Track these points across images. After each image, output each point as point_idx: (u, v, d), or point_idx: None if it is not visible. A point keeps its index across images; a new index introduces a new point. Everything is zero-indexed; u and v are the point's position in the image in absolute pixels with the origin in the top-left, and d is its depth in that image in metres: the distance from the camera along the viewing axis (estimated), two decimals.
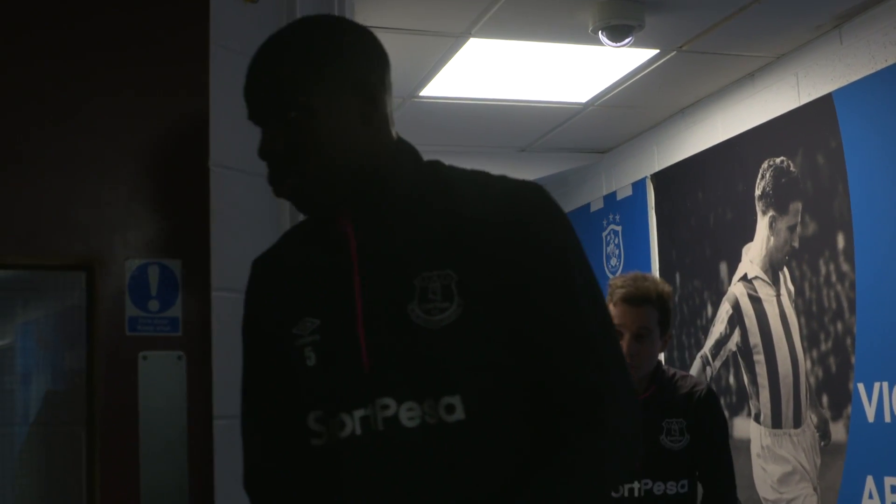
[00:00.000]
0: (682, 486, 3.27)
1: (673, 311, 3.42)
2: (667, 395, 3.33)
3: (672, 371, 3.45)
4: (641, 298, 3.29)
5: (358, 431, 1.74)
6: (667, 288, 3.39)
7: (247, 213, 2.67)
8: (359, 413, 1.74)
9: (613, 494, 3.19)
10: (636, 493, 3.24)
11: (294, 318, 1.82)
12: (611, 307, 3.28)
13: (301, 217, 1.98)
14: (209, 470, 2.43)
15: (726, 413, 4.97)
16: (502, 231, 1.72)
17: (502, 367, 1.72)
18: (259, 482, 1.96)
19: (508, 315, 1.71)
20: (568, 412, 1.70)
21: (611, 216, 6.23)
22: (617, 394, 1.72)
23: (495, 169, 5.60)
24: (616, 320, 3.25)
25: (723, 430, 3.41)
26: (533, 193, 1.77)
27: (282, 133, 1.75)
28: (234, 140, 2.67)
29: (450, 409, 1.69)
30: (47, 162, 2.36)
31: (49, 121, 2.38)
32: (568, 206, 6.81)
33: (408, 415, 1.71)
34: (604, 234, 6.29)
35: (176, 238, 2.45)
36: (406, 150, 1.85)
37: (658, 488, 3.25)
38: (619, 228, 6.14)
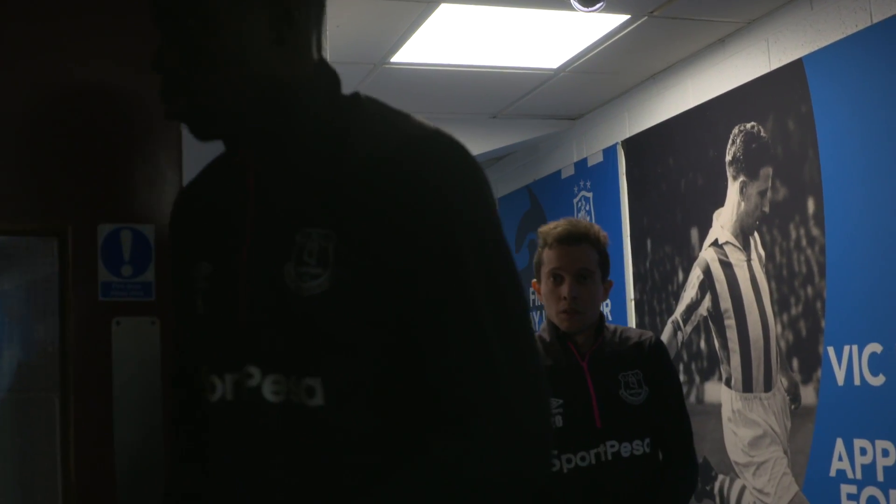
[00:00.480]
0: (647, 446, 3.10)
1: (609, 260, 3.21)
2: (617, 347, 3.16)
3: (613, 326, 3.27)
4: (578, 236, 3.09)
5: (229, 396, 1.56)
6: (603, 232, 3.20)
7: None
8: (230, 377, 1.56)
9: (580, 463, 3.06)
10: (603, 458, 3.05)
11: (194, 260, 1.67)
12: (546, 253, 3.12)
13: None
14: None
15: (696, 378, 5.01)
16: (393, 189, 1.44)
17: (373, 351, 1.46)
18: (172, 437, 1.97)
19: (386, 293, 1.44)
20: (437, 416, 1.43)
21: (582, 183, 6.24)
22: (500, 401, 1.41)
23: (467, 136, 5.61)
24: (554, 264, 3.08)
25: (675, 379, 3.29)
26: (438, 146, 1.48)
27: (178, 43, 1.54)
28: None
29: (310, 391, 1.46)
30: (16, 127, 2.35)
31: (18, 87, 2.36)
32: (539, 174, 6.81)
33: (272, 388, 1.50)
34: (575, 200, 6.30)
35: (148, 203, 2.44)
36: (323, 79, 1.60)
37: (625, 450, 3.07)
38: (590, 195, 6.15)
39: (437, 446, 1.41)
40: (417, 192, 1.43)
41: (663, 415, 3.14)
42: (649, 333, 3.25)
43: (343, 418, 1.45)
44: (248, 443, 1.54)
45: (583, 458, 3.05)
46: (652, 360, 3.16)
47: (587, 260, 3.08)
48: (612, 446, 3.06)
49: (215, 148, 2.62)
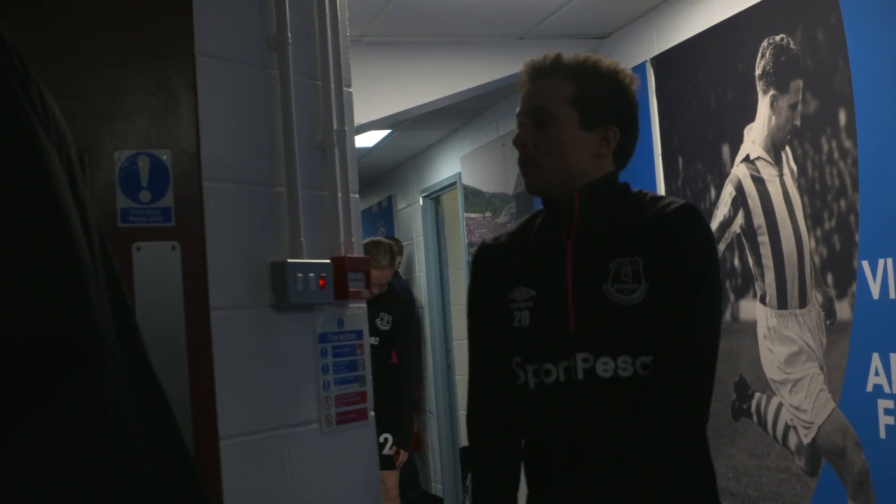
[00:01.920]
0: (643, 366, 2.26)
1: (624, 104, 2.44)
2: (623, 222, 2.35)
3: (638, 192, 2.44)
4: (544, 70, 2.40)
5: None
6: (606, 64, 2.42)
7: (235, 102, 2.65)
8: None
9: (545, 379, 2.32)
10: (573, 375, 2.29)
11: None
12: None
13: None
14: (208, 356, 2.44)
15: (731, 296, 4.97)
16: None
17: None
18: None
19: None
20: None
21: None
22: None
23: (495, 59, 5.65)
24: (517, 108, 2.44)
25: (696, 261, 2.28)
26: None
27: None
28: (219, 29, 2.65)
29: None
30: (31, 54, 2.34)
31: (33, 12, 2.34)
32: None
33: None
34: None
35: (165, 128, 2.43)
36: None
37: (604, 368, 2.27)
38: None
39: None
40: None
41: (662, 315, 2.26)
42: (679, 202, 2.34)
43: None
44: None
45: (548, 373, 2.33)
46: (664, 238, 2.27)
47: (548, 96, 2.36)
48: (586, 361, 2.28)
49: (233, 73, 2.61)
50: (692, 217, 2.30)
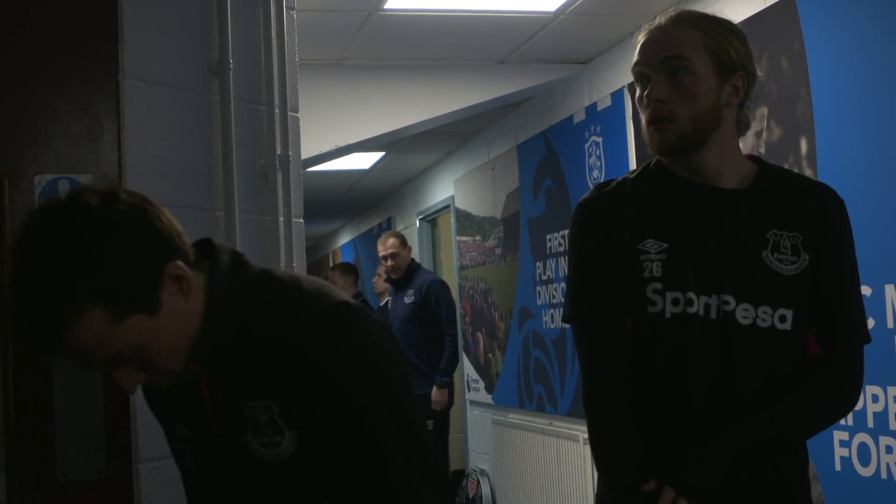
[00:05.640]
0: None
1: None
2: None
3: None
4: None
5: None
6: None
7: (169, 127, 2.66)
8: None
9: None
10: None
11: None
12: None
13: None
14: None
15: None
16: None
17: None
18: None
19: None
20: None
21: (592, 128, 6.17)
22: None
23: (476, 82, 5.70)
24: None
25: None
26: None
27: None
28: (155, 54, 2.66)
29: None
30: None
31: None
32: (552, 119, 6.76)
33: None
34: (586, 146, 6.23)
35: (87, 153, 2.45)
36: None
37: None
38: (599, 139, 6.08)
39: None
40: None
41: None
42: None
43: None
44: None
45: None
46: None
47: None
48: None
49: (161, 96, 2.62)
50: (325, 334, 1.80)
